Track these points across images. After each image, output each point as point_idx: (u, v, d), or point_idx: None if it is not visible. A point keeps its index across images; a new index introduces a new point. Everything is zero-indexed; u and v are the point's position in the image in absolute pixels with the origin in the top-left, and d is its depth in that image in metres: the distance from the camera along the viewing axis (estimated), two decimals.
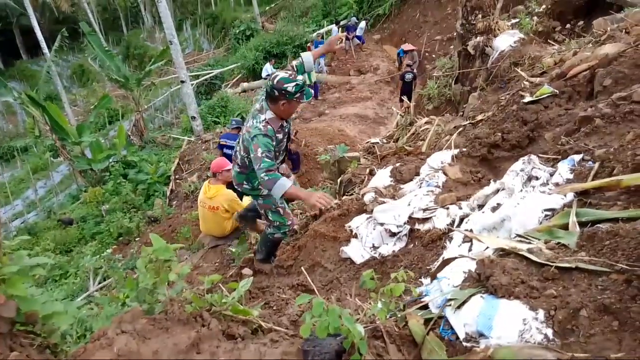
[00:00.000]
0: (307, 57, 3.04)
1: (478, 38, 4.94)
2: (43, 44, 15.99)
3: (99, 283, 4.88)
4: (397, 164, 3.52)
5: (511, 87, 3.96)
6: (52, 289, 5.07)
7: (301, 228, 3.98)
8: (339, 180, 4.35)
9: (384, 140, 5.01)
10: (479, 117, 3.71)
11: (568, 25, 5.34)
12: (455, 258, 1.86)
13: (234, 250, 4.16)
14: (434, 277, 1.84)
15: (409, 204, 2.74)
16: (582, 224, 1.64)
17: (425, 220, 2.58)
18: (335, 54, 16.48)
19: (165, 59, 13.53)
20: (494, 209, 2.20)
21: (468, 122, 3.81)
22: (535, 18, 5.70)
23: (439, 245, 2.33)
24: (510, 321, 1.28)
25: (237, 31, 21.46)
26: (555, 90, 3.06)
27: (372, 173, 3.76)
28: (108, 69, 12.54)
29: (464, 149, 3.19)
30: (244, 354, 1.21)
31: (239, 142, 3.09)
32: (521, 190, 2.20)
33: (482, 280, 1.48)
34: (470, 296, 1.44)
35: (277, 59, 16.31)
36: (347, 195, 3.82)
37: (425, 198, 2.75)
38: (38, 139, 12.59)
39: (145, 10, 34.17)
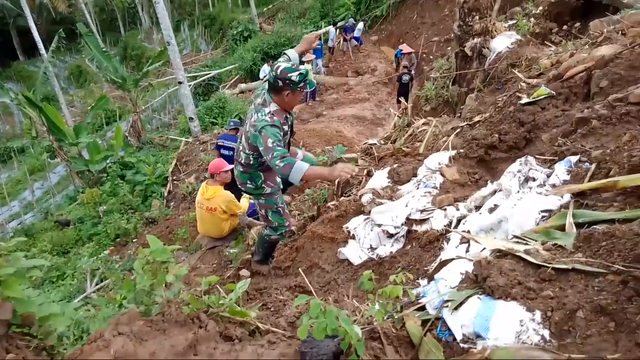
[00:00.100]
0: (292, 54, 3.03)
1: (475, 39, 4.94)
2: (40, 45, 15.97)
3: (96, 284, 4.87)
4: (395, 165, 3.52)
5: (508, 89, 3.96)
6: (49, 291, 5.06)
7: (299, 229, 3.98)
8: (336, 181, 4.34)
9: (382, 142, 5.01)
10: (476, 119, 3.71)
11: (565, 27, 5.35)
12: (453, 259, 1.86)
13: (231, 251, 4.17)
14: (431, 278, 1.84)
15: (407, 205, 2.74)
16: (578, 225, 1.65)
17: (422, 221, 2.58)
18: (332, 55, 16.53)
19: (163, 60, 13.47)
20: (491, 210, 2.20)
21: (465, 123, 3.81)
22: (532, 19, 5.71)
23: (436, 247, 2.33)
24: (507, 322, 1.28)
25: (235, 32, 21.47)
26: (552, 92, 3.07)
27: (369, 174, 3.76)
28: (105, 70, 12.48)
29: (462, 150, 3.19)
30: (241, 356, 1.21)
31: (240, 142, 3.06)
32: (518, 192, 2.20)
33: (479, 282, 1.49)
34: (468, 297, 1.44)
35: (274, 61, 16.25)
36: (344, 197, 3.82)
37: (422, 199, 2.75)
38: (35, 140, 12.56)
39: (143, 11, 34.16)
